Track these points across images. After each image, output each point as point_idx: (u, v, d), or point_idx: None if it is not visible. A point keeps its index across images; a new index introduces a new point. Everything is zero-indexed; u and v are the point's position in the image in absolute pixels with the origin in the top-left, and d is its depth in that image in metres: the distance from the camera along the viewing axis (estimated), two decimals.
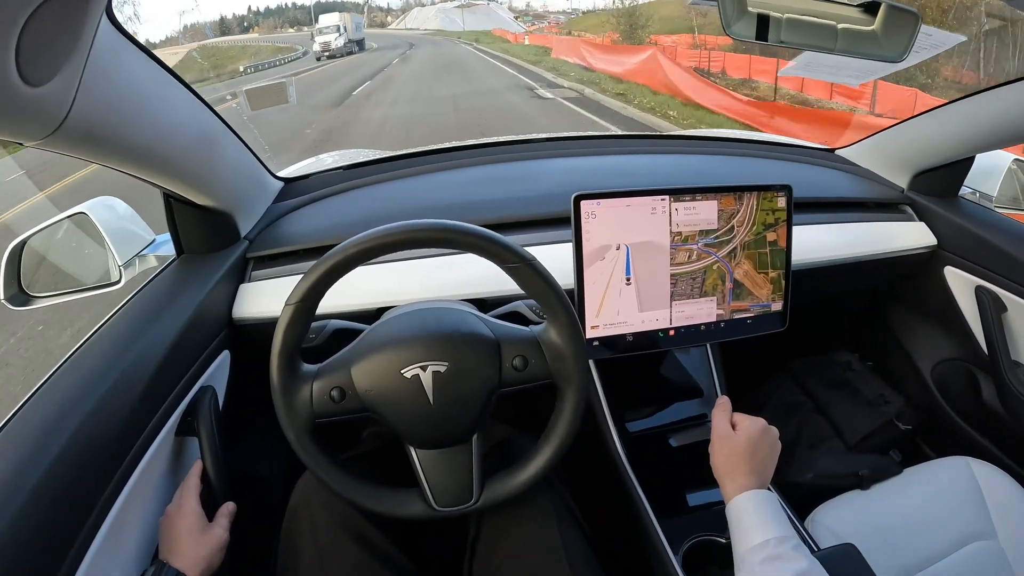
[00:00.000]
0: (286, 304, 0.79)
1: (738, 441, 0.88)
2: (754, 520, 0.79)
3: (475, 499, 0.85)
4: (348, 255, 0.77)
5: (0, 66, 0.54)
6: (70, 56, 0.65)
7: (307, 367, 0.84)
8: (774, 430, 0.92)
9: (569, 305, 0.82)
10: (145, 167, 0.93)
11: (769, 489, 0.86)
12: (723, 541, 0.99)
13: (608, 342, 1.05)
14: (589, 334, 1.05)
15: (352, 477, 0.85)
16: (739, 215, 1.05)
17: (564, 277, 0.86)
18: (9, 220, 7.16)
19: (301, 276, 0.80)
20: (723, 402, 0.96)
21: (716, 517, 1.05)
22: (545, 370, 0.84)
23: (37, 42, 0.56)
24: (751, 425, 0.90)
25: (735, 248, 1.06)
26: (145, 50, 0.86)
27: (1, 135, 0.66)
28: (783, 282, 1.11)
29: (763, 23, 0.85)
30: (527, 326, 0.88)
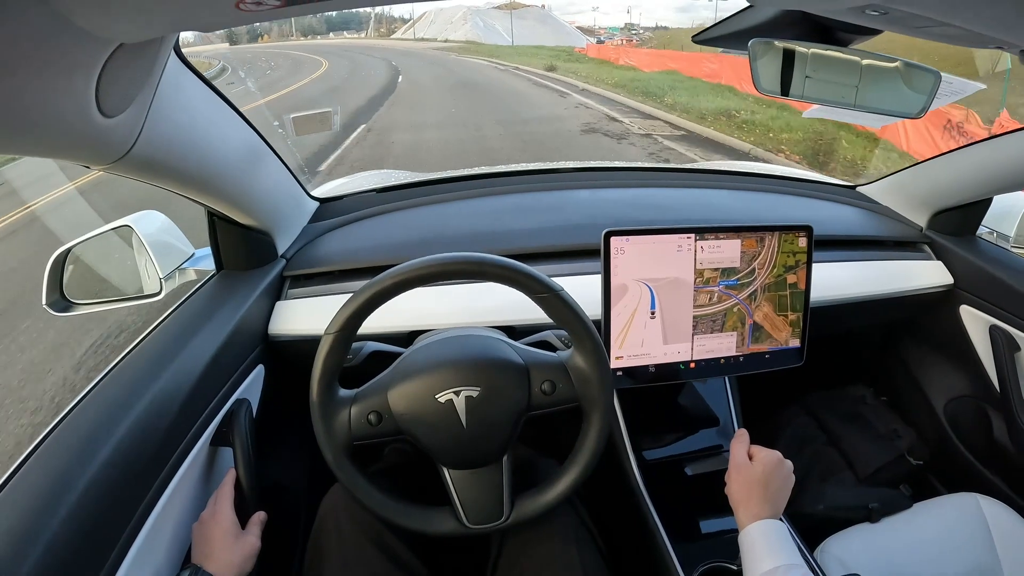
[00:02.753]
0: (326, 333, 0.83)
1: (754, 471, 0.92)
2: (764, 547, 0.83)
3: (505, 516, 0.89)
4: (385, 287, 0.82)
5: (81, 98, 0.58)
6: (142, 89, 0.69)
7: (345, 392, 0.87)
8: (789, 463, 0.96)
9: (595, 332, 0.86)
10: (197, 189, 0.98)
11: (781, 519, 0.90)
12: (734, 568, 1.01)
13: (631, 372, 1.08)
14: (613, 364, 1.08)
15: (387, 496, 0.88)
16: (760, 257, 1.08)
17: (591, 308, 0.90)
18: (39, 209, 7.25)
19: (340, 304, 0.84)
20: (742, 434, 1.00)
21: (728, 544, 1.07)
22: (572, 394, 0.88)
23: (116, 76, 0.60)
24: (767, 456, 0.94)
25: (756, 291, 1.09)
26: (202, 78, 0.90)
27: (73, 159, 0.70)
28: (802, 324, 1.14)
29: (786, 80, 0.89)
30: (554, 352, 0.92)
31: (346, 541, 0.94)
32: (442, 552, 1.02)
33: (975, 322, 1.40)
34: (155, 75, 0.72)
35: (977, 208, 1.42)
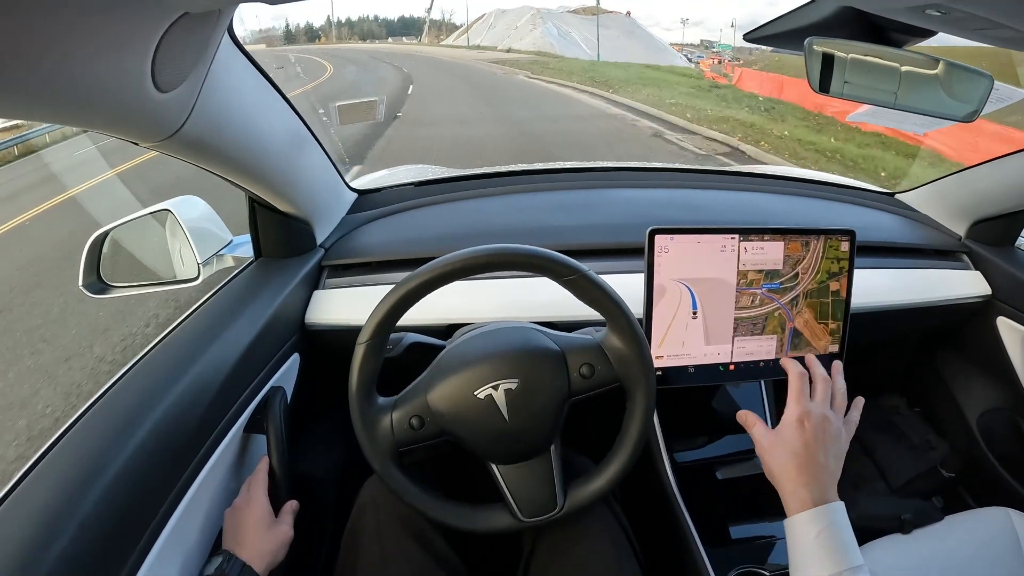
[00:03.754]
0: (357, 343, 0.83)
1: (785, 436, 0.82)
2: (813, 546, 0.73)
3: (560, 507, 0.88)
4: (409, 290, 0.82)
5: (138, 72, 0.59)
6: (196, 65, 0.69)
7: (384, 399, 0.87)
8: (822, 414, 0.83)
9: (627, 309, 0.85)
10: (241, 173, 0.98)
11: (834, 501, 0.78)
12: (767, 574, 1.01)
13: (670, 373, 1.07)
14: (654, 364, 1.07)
15: (438, 499, 0.88)
16: (804, 262, 1.07)
17: (633, 307, 0.89)
18: (78, 194, 7.34)
19: (378, 295, 0.84)
20: (742, 416, 0.92)
21: (760, 549, 1.07)
22: (612, 375, 0.87)
23: (172, 50, 0.61)
24: (788, 416, 0.84)
25: (797, 296, 1.08)
26: (253, 61, 0.90)
27: (124, 135, 0.71)
28: (842, 330, 1.13)
29: (826, 73, 0.88)
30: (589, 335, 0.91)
31: (386, 533, 0.94)
32: (476, 547, 1.02)
33: (1012, 334, 1.38)
34: (210, 52, 0.72)
35: (1018, 218, 1.40)
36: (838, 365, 0.94)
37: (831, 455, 0.81)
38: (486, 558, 1.04)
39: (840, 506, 0.77)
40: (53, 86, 0.52)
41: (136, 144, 0.75)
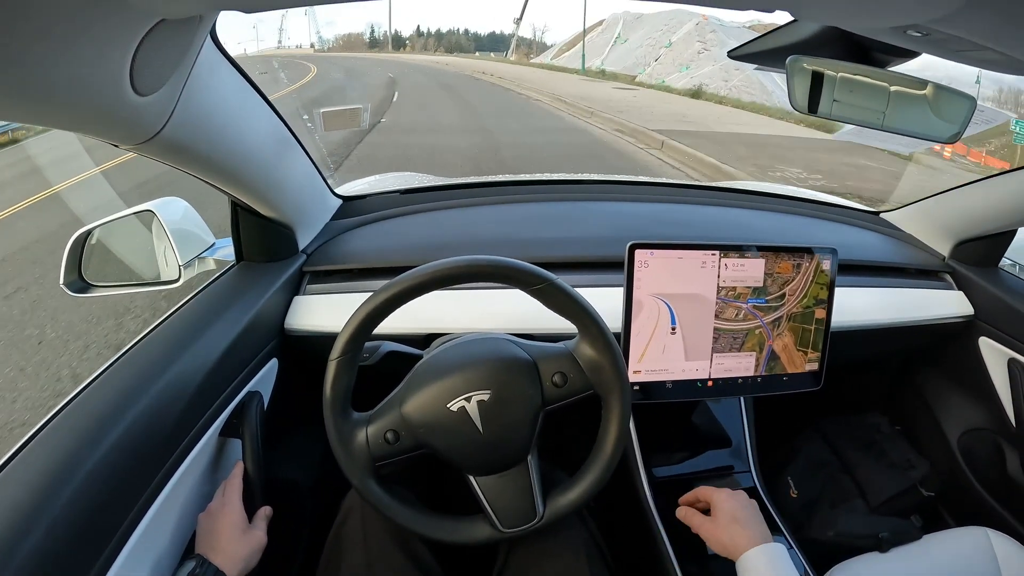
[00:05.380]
0: (329, 360, 0.83)
1: (734, 503, 0.92)
2: (771, 573, 0.82)
3: (539, 517, 0.87)
4: (377, 305, 0.82)
5: (116, 74, 0.58)
6: (176, 69, 0.69)
7: (359, 414, 0.87)
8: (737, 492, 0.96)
9: (597, 316, 0.85)
10: (223, 177, 0.98)
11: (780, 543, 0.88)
12: None
13: (648, 388, 1.07)
14: (631, 379, 1.06)
15: (419, 511, 0.87)
16: (793, 283, 1.07)
17: (611, 321, 0.89)
18: (62, 191, 7.29)
19: (359, 302, 0.83)
20: (685, 508, 0.99)
21: (734, 566, 1.06)
22: (585, 383, 0.86)
23: (151, 54, 0.60)
24: (722, 493, 0.94)
25: (781, 317, 1.08)
26: (236, 66, 0.90)
27: (102, 137, 0.70)
28: (821, 347, 1.12)
29: (814, 99, 0.88)
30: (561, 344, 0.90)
31: (371, 539, 0.93)
32: (458, 557, 1.02)
33: (994, 355, 1.39)
34: (191, 56, 0.71)
35: (1002, 239, 1.40)
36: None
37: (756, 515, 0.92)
38: (468, 568, 1.03)
39: (781, 545, 0.88)
40: (30, 87, 0.52)
41: (115, 146, 0.75)
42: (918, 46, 0.77)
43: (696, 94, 20.05)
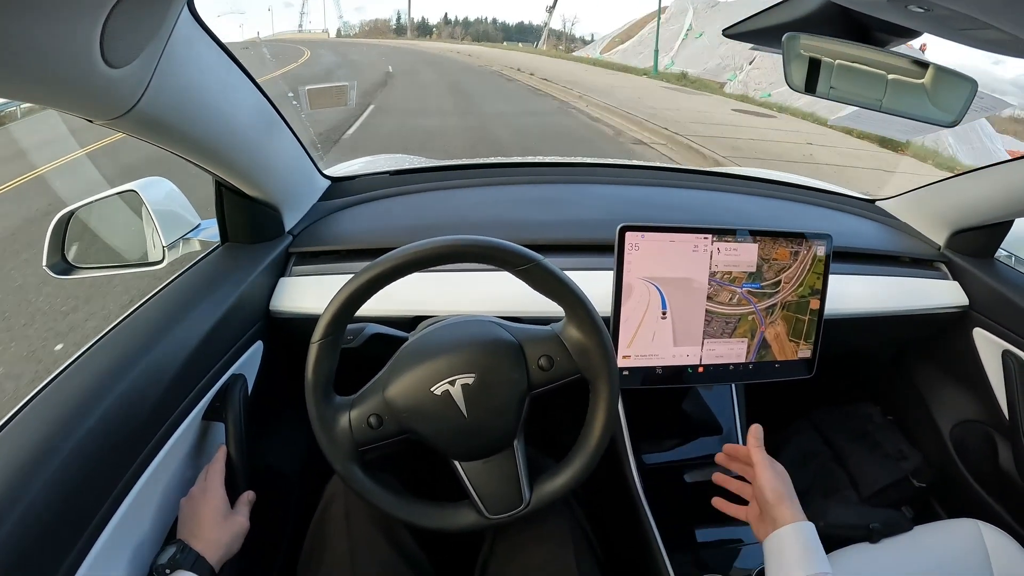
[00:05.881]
0: (311, 343, 0.81)
1: (781, 470, 0.88)
2: (802, 552, 0.79)
3: (525, 503, 0.86)
4: (359, 286, 0.80)
5: (85, 45, 0.56)
6: (150, 41, 0.67)
7: (341, 398, 0.85)
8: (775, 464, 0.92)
9: (584, 298, 0.83)
10: (204, 154, 0.96)
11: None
12: None
13: (637, 373, 1.06)
14: (620, 363, 1.05)
15: (403, 498, 0.86)
16: (789, 271, 1.06)
17: (601, 305, 0.87)
18: (47, 173, 7.25)
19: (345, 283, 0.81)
20: (757, 431, 0.93)
21: (724, 554, 1.06)
22: (572, 366, 0.85)
23: (122, 24, 0.58)
24: (767, 469, 0.89)
25: (775, 305, 1.07)
26: (217, 40, 0.87)
27: (75, 111, 0.68)
28: (814, 335, 1.11)
29: (812, 75, 0.86)
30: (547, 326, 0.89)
31: (354, 525, 0.92)
32: (443, 544, 1.00)
33: (988, 346, 1.38)
34: (165, 28, 0.69)
35: (998, 230, 1.39)
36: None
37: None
38: (452, 555, 1.02)
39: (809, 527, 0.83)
40: None
41: (89, 121, 0.72)
42: (919, 23, 0.75)
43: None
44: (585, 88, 15.59)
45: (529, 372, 0.84)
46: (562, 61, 32.40)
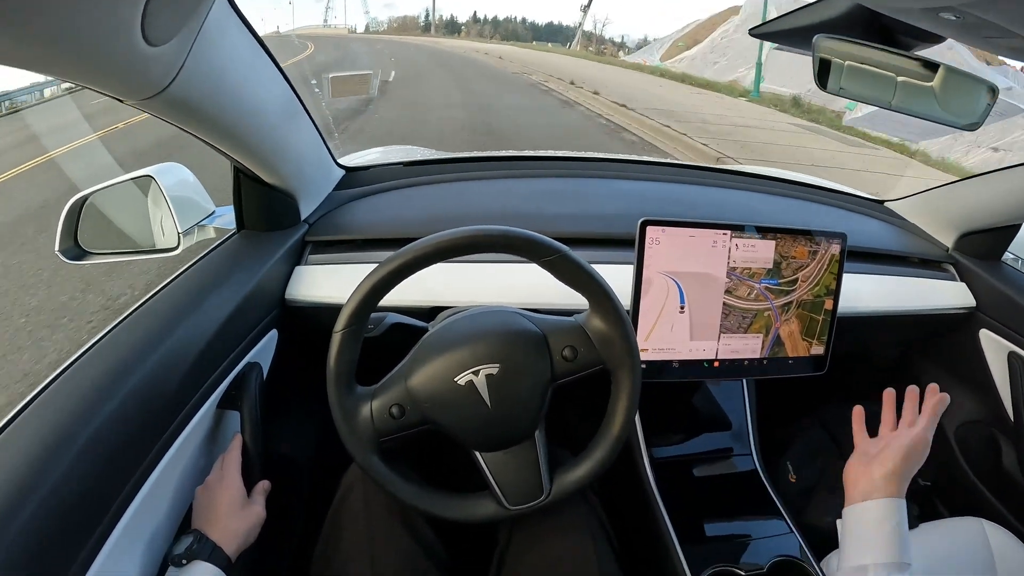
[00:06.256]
0: (333, 332, 0.81)
1: (925, 449, 0.88)
2: (886, 534, 0.78)
3: (546, 494, 0.86)
4: (383, 275, 0.80)
5: (127, 20, 0.56)
6: (188, 20, 0.67)
7: (363, 388, 0.85)
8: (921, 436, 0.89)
9: (609, 289, 0.83)
10: (228, 139, 0.95)
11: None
12: (742, 573, 1.00)
13: (655, 367, 1.06)
14: None
15: (423, 488, 0.86)
16: (807, 269, 1.06)
17: (620, 299, 0.87)
18: (58, 156, 7.20)
19: (362, 273, 0.81)
20: (860, 413, 0.96)
21: (735, 548, 1.06)
22: (595, 357, 0.85)
23: (163, 2, 0.58)
24: (915, 430, 0.89)
25: (791, 303, 1.07)
26: (248, 25, 0.87)
27: (110, 89, 0.67)
28: (828, 331, 1.12)
29: (823, 75, 0.87)
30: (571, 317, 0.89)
31: (373, 514, 0.92)
32: (460, 534, 1.00)
33: (994, 347, 1.39)
34: (203, 8, 0.69)
35: (1006, 233, 1.40)
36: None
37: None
38: (470, 545, 1.02)
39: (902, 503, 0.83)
40: (38, 30, 0.49)
41: (120, 101, 0.72)
42: (948, 30, 0.76)
43: None
44: (665, 107, 12.29)
45: (553, 362, 0.84)
46: (620, 70, 24.19)
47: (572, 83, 16.74)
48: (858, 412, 0.95)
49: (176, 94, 0.73)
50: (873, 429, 0.98)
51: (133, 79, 0.67)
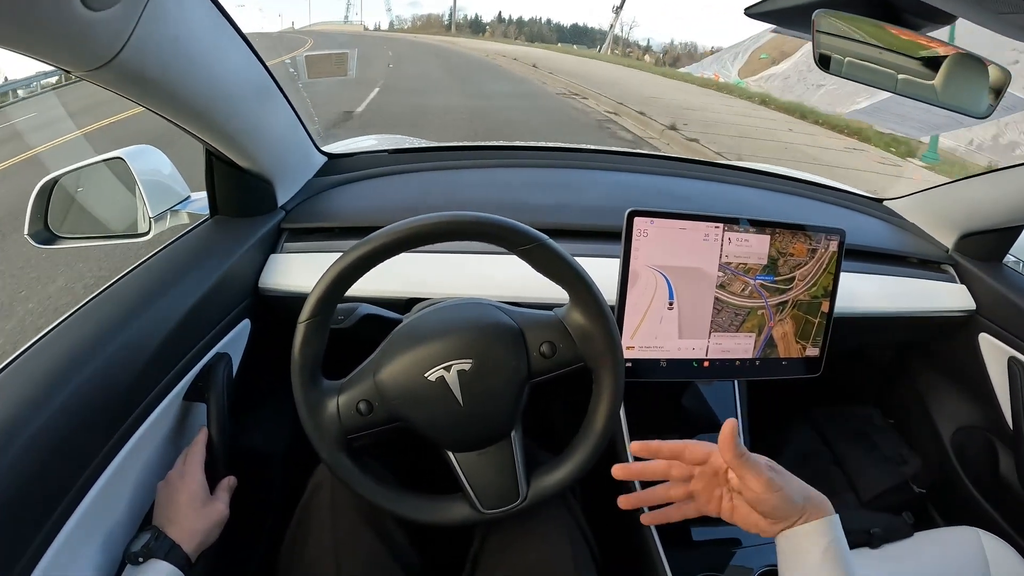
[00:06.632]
0: (298, 323, 0.77)
1: (765, 464, 0.72)
2: (818, 564, 0.67)
3: (522, 498, 0.82)
4: (350, 262, 0.76)
5: None
6: None
7: (330, 382, 0.81)
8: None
9: (591, 282, 0.79)
10: (192, 118, 0.91)
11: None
12: None
13: (641, 366, 1.03)
14: (624, 354, 1.02)
15: (393, 490, 0.82)
16: (805, 268, 1.03)
17: (606, 293, 0.83)
18: (43, 153, 7.19)
19: (312, 287, 0.78)
20: (733, 425, 0.70)
21: (721, 553, 1.04)
22: (575, 353, 0.81)
23: None
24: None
25: (786, 302, 1.04)
26: None
27: (53, 59, 0.64)
28: (823, 333, 1.09)
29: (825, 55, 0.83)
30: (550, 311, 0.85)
31: (339, 517, 0.88)
32: (433, 537, 0.97)
33: (994, 352, 1.36)
34: None
35: (1008, 234, 1.37)
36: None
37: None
38: (441, 549, 0.99)
39: (838, 519, 0.72)
40: None
41: (68, 72, 0.68)
42: (957, 6, 0.72)
43: None
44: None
45: (530, 359, 0.80)
46: (688, 89, 17.84)
47: (643, 114, 11.56)
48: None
49: (127, 64, 0.69)
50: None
51: (76, 47, 0.63)
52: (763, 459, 0.72)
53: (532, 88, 15.34)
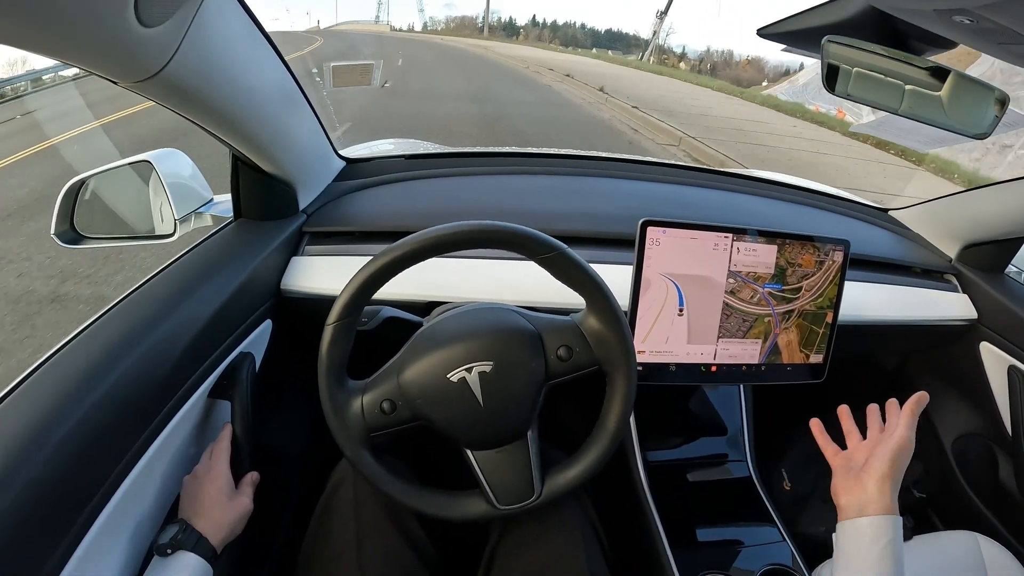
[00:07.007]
0: (326, 324, 0.80)
1: (896, 440, 0.83)
2: (878, 554, 0.75)
3: (537, 494, 0.85)
4: (378, 268, 0.79)
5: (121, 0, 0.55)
6: (184, 2, 0.66)
7: (355, 382, 0.84)
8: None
9: (607, 289, 0.82)
10: (225, 126, 0.94)
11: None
12: None
13: (652, 369, 1.05)
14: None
15: (413, 486, 0.85)
16: (812, 278, 1.06)
17: (618, 299, 0.86)
18: (59, 143, 7.20)
19: (358, 265, 0.80)
20: (819, 425, 0.95)
21: (726, 554, 1.06)
22: (591, 357, 0.84)
23: None
24: (898, 436, 0.84)
25: (792, 311, 1.06)
26: (247, 9, 0.86)
27: (103, 71, 0.66)
28: (827, 339, 1.11)
29: (831, 78, 0.85)
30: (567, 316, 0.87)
31: (362, 513, 0.91)
32: (450, 532, 0.99)
33: (995, 360, 1.38)
34: None
35: (1010, 245, 1.39)
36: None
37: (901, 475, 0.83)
38: (459, 544, 1.01)
39: (901, 521, 0.79)
40: (29, 8, 0.49)
41: (114, 83, 0.71)
42: (960, 35, 0.74)
43: None
44: None
45: (548, 362, 0.83)
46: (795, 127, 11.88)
47: None
48: (817, 424, 0.95)
49: (171, 77, 0.72)
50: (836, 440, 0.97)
51: (127, 61, 0.66)
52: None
53: (586, 119, 10.73)
